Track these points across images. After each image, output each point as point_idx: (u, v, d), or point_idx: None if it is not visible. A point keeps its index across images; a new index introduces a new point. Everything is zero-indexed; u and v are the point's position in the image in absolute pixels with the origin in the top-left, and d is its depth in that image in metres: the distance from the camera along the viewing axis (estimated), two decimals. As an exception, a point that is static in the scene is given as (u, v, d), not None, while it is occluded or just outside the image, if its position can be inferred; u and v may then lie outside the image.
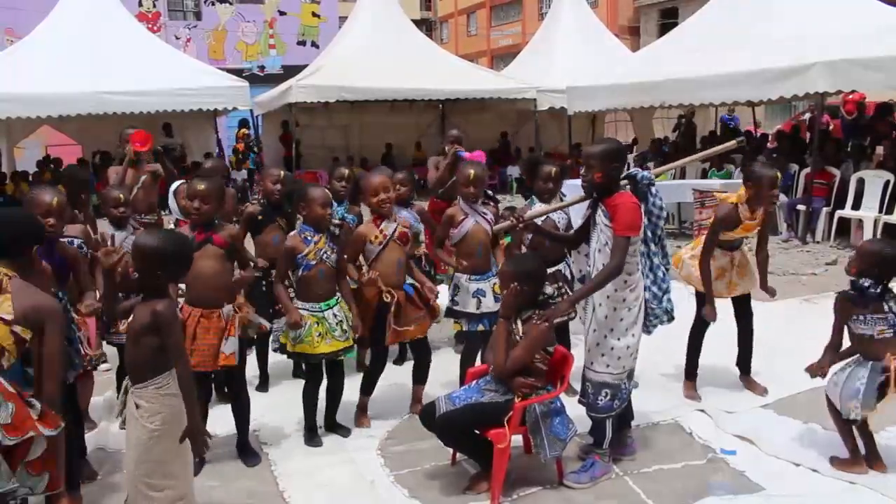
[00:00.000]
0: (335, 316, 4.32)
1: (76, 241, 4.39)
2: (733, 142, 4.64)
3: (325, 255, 4.30)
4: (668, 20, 30.23)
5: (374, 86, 15.88)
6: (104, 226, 5.02)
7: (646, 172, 3.97)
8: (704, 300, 4.90)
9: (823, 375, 3.97)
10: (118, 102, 13.70)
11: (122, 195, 4.98)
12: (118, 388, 4.46)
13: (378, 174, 4.66)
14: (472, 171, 4.80)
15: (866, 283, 3.77)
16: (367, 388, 4.71)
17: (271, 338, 5.12)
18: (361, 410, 4.72)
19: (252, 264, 4.55)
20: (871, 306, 3.77)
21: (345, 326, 4.35)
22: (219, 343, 4.00)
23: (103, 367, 5.20)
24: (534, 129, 18.22)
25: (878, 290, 3.76)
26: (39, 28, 15.59)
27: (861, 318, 3.79)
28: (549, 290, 4.67)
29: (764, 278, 4.98)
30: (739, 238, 4.92)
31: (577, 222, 4.38)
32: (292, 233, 4.50)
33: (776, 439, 4.29)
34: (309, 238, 4.30)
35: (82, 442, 4.05)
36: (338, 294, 4.40)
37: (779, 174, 4.83)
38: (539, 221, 4.66)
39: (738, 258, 4.95)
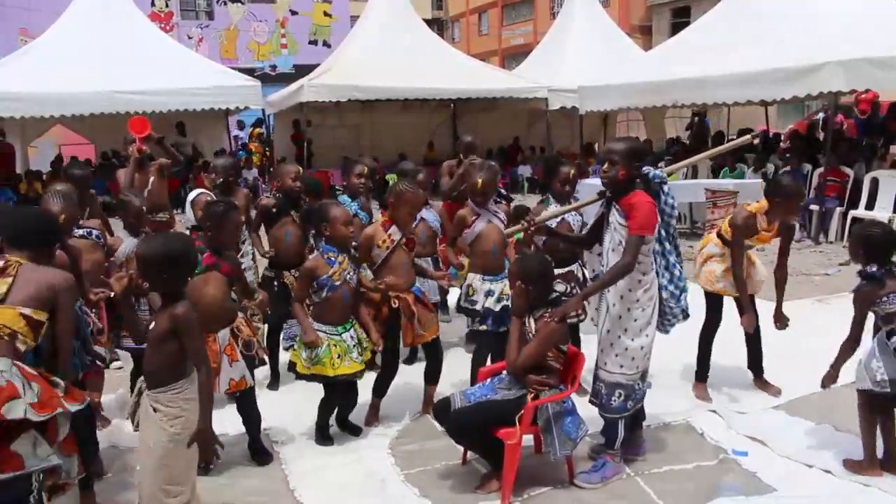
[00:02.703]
0: (352, 338, 4.31)
1: (94, 232, 4.42)
2: (748, 137, 4.62)
3: (348, 276, 4.27)
4: (681, 19, 30.08)
5: (386, 85, 15.89)
6: (117, 227, 5.06)
7: (657, 171, 3.95)
8: (715, 302, 4.91)
9: (834, 379, 3.91)
10: (131, 102, 13.77)
11: (143, 206, 4.94)
12: (132, 388, 4.48)
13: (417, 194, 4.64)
14: (479, 180, 4.78)
15: (872, 268, 3.77)
16: (379, 390, 4.72)
17: (282, 335, 5.14)
18: (373, 410, 4.72)
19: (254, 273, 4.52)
20: (889, 285, 3.73)
21: (360, 349, 4.33)
22: (215, 367, 3.91)
23: (114, 364, 5.24)
24: (545, 129, 18.19)
25: (886, 269, 3.74)
26: (53, 28, 15.69)
27: (884, 299, 3.74)
28: (560, 287, 4.67)
29: (780, 299, 4.84)
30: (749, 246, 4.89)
31: (591, 222, 4.37)
32: (313, 255, 4.45)
33: (788, 440, 4.27)
34: (332, 259, 4.24)
35: (95, 440, 4.06)
36: (352, 317, 4.37)
37: (804, 191, 4.79)
38: (554, 222, 4.66)
39: (745, 261, 4.92)
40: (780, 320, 4.84)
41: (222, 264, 4.03)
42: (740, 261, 4.72)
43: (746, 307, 4.74)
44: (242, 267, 4.61)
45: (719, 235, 4.92)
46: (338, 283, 4.22)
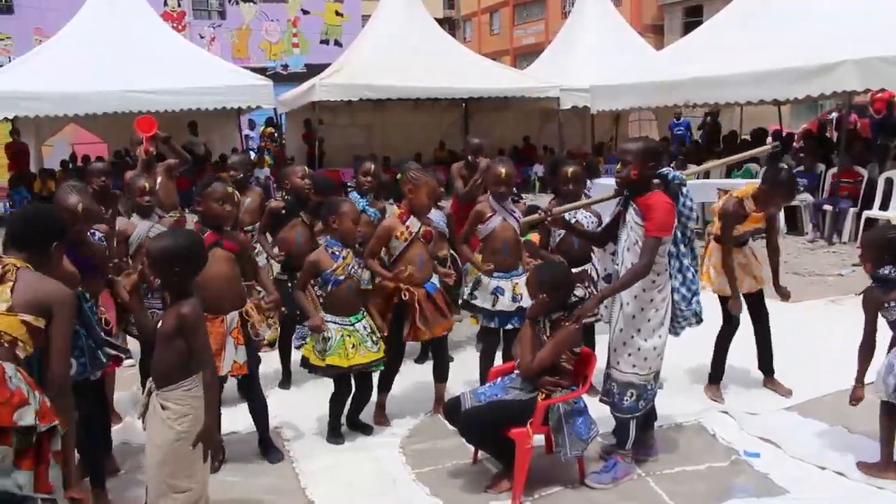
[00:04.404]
0: (365, 328, 4.33)
1: (97, 234, 4.43)
2: (767, 146, 4.59)
3: (353, 271, 4.30)
4: (693, 18, 29.98)
5: (397, 84, 15.89)
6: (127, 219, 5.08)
7: (677, 172, 3.92)
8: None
9: (863, 394, 3.87)
10: (144, 101, 13.83)
11: (147, 184, 5.00)
12: (142, 384, 4.50)
13: (432, 180, 4.66)
14: (502, 171, 4.78)
15: (886, 270, 3.74)
16: (384, 385, 4.72)
17: (294, 335, 5.14)
18: (380, 408, 4.73)
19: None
20: None
21: (374, 338, 4.35)
22: (218, 348, 3.92)
23: (127, 362, 5.26)
24: (557, 128, 18.15)
25: None
26: (67, 27, 15.78)
27: (892, 304, 3.72)
28: (579, 292, 4.65)
29: (776, 274, 4.91)
30: (750, 232, 4.87)
31: (606, 220, 4.35)
32: (316, 251, 4.47)
33: (801, 442, 4.24)
34: (337, 253, 4.28)
35: (108, 437, 4.08)
36: (362, 308, 4.39)
37: (800, 188, 4.78)
38: (571, 219, 4.65)
39: (749, 253, 4.92)
40: (781, 292, 4.87)
41: (224, 241, 4.05)
42: (731, 248, 4.73)
43: (734, 294, 4.72)
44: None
45: (716, 239, 4.91)
46: (341, 277, 4.25)
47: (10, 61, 18.77)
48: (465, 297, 4.82)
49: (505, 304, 4.66)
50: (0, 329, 2.70)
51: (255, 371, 4.22)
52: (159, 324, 3.19)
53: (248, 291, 4.24)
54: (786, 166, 5.27)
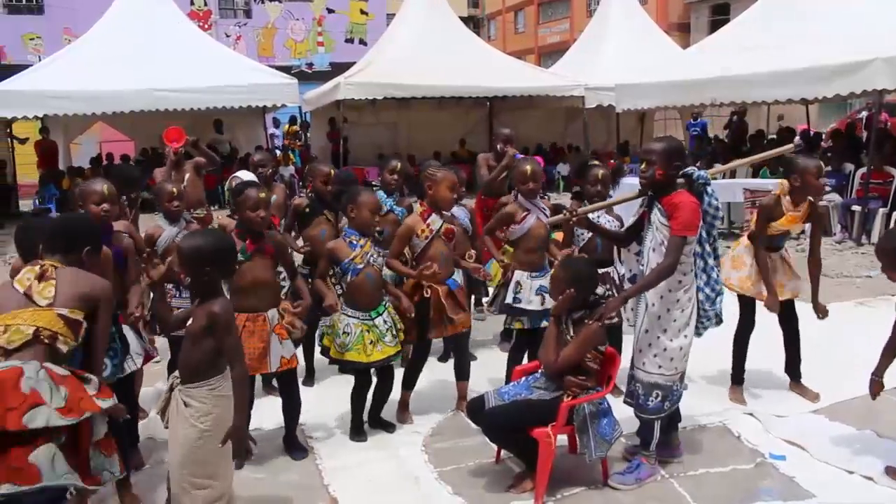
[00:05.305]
0: (385, 322, 4.33)
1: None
2: (790, 145, 4.54)
3: (372, 259, 4.31)
4: (720, 16, 29.71)
5: (422, 83, 15.90)
6: (149, 221, 5.12)
7: (702, 172, 3.88)
8: (748, 305, 4.84)
9: (882, 387, 3.83)
10: (171, 99, 13.99)
11: (176, 189, 5.05)
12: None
13: (450, 173, 4.65)
14: (528, 168, 4.76)
15: None
16: (408, 382, 4.73)
17: (317, 332, 5.16)
18: (403, 406, 4.73)
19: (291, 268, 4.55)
20: None
21: (394, 331, 4.36)
22: (264, 346, 4.00)
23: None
24: (582, 127, 18.07)
25: None
26: (95, 27, 15.99)
27: None
28: (599, 289, 4.62)
29: (815, 290, 4.77)
30: (782, 235, 4.81)
31: (627, 222, 4.32)
32: (335, 240, 4.49)
33: (828, 445, 4.19)
34: (354, 242, 4.30)
35: (135, 432, 4.13)
36: (385, 299, 4.41)
37: (822, 164, 4.72)
38: (595, 218, 4.63)
39: (780, 260, 4.84)
40: (820, 311, 4.76)
41: (266, 247, 4.10)
42: (761, 241, 4.69)
43: (769, 289, 4.67)
44: None
45: (750, 237, 4.86)
46: (360, 266, 4.26)
47: (39, 61, 19.03)
48: (508, 301, 4.71)
49: (552, 301, 4.62)
50: (39, 325, 2.75)
51: (295, 369, 4.26)
52: (189, 321, 3.21)
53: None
54: (817, 156, 5.19)
